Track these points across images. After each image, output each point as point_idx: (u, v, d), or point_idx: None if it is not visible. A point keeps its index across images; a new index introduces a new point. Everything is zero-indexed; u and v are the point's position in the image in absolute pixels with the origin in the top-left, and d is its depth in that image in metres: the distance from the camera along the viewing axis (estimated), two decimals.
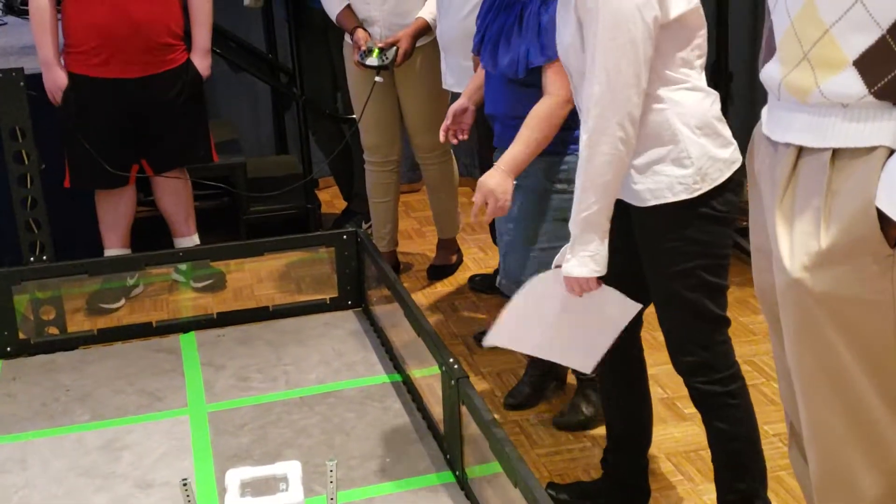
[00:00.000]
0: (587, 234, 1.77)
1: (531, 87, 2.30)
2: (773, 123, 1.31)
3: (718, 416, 1.94)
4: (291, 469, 1.74)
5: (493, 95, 2.43)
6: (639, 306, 1.91)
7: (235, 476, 1.71)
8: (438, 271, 3.73)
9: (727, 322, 1.94)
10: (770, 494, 2.25)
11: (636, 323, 2.03)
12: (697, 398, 1.95)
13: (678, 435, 2.54)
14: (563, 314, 1.89)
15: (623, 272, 1.89)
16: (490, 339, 1.97)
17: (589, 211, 1.76)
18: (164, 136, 3.21)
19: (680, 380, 2.64)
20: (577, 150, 2.37)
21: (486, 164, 3.12)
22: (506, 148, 2.43)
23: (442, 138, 2.55)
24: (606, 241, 1.78)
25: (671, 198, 1.78)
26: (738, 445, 1.96)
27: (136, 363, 2.61)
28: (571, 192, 2.39)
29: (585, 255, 1.78)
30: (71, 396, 2.43)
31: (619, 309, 1.90)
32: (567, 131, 2.31)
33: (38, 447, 2.18)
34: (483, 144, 2.95)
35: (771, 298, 1.40)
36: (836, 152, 1.20)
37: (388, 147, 3.52)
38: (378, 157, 3.54)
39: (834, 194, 1.19)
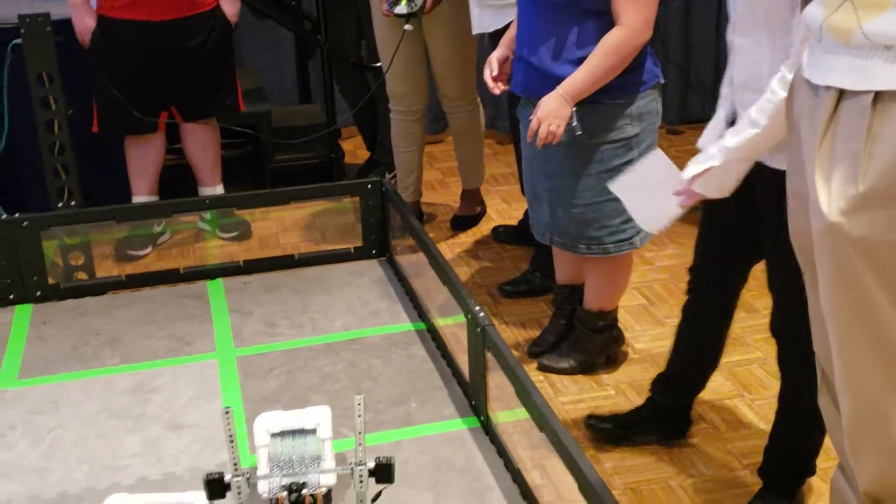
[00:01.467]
0: (737, 165, 1.73)
1: (579, 12, 2.18)
2: (813, 66, 1.29)
3: (801, 384, 1.92)
4: (322, 413, 1.77)
5: (527, 28, 2.35)
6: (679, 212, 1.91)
7: (265, 423, 1.74)
8: (462, 222, 3.73)
9: None
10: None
11: (741, 280, 2.01)
12: (789, 363, 1.95)
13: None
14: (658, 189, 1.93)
15: (734, 225, 1.87)
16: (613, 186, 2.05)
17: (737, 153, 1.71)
18: (193, 82, 3.21)
19: None
20: (610, 98, 2.33)
21: (513, 116, 3.10)
22: (531, 97, 2.40)
23: (492, 88, 2.50)
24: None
25: None
26: (809, 415, 1.95)
27: (164, 308, 2.64)
28: (610, 143, 2.37)
29: (718, 178, 1.75)
30: (101, 340, 2.46)
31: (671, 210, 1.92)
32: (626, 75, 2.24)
33: (69, 389, 2.22)
34: (512, 94, 2.93)
35: (806, 244, 1.38)
36: (877, 95, 1.18)
37: (415, 95, 3.50)
38: (404, 105, 3.52)
39: (874, 138, 1.17)
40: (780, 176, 1.73)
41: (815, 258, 1.29)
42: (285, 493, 1.61)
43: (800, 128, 1.34)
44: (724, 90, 1.91)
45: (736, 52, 1.80)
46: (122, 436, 2.03)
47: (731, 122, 1.85)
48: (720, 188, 1.77)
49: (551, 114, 2.16)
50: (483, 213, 3.79)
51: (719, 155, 1.73)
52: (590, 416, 2.33)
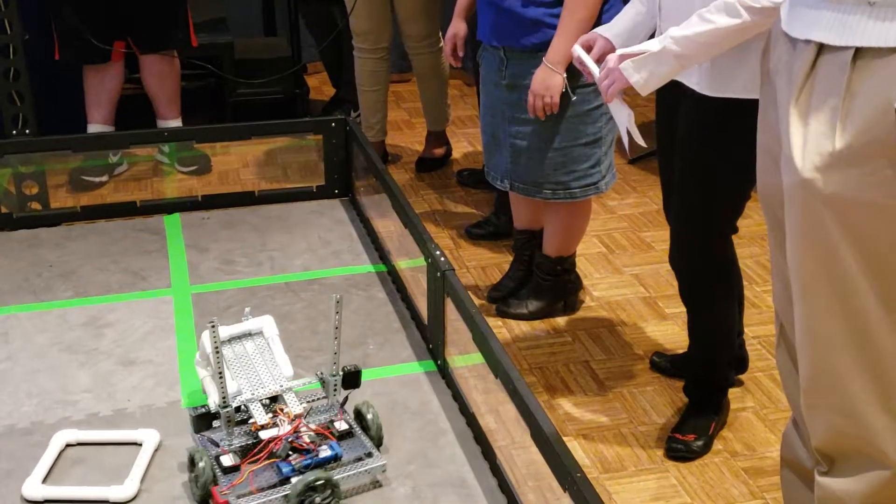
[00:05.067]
0: (674, 60, 1.73)
1: None
2: (793, 19, 1.27)
3: (702, 312, 2.06)
4: (263, 320, 1.83)
5: None
6: (629, 112, 1.90)
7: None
8: (427, 164, 3.70)
9: None
10: (746, 394, 2.30)
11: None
12: (689, 295, 2.08)
13: (657, 333, 2.58)
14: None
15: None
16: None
17: (694, 45, 1.71)
18: (147, 13, 3.13)
19: (663, 280, 2.67)
20: None
21: (476, 60, 3.06)
22: (505, 44, 2.38)
23: (452, 62, 2.51)
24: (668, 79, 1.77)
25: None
26: (714, 336, 2.10)
27: (120, 242, 2.59)
28: (580, 87, 2.37)
29: (649, 65, 1.74)
30: (54, 272, 2.41)
31: (622, 116, 1.91)
32: None
33: (20, 321, 2.18)
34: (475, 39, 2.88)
35: (774, 200, 1.38)
36: (858, 52, 1.17)
37: (379, 33, 3.43)
38: (368, 43, 3.45)
39: (853, 95, 1.16)
40: (698, 100, 1.83)
41: (785, 212, 1.29)
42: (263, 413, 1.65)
43: (776, 81, 1.32)
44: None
45: None
46: (73, 370, 2.00)
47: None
48: (647, 78, 1.74)
49: (543, 86, 2.16)
50: (448, 155, 3.76)
51: (658, 42, 1.74)
52: (656, 353, 2.43)
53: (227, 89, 3.86)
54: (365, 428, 1.73)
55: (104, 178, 3.26)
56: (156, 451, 1.74)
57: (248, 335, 1.82)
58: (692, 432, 2.10)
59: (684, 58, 1.72)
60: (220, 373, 1.61)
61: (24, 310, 2.23)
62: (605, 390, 2.34)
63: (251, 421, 1.66)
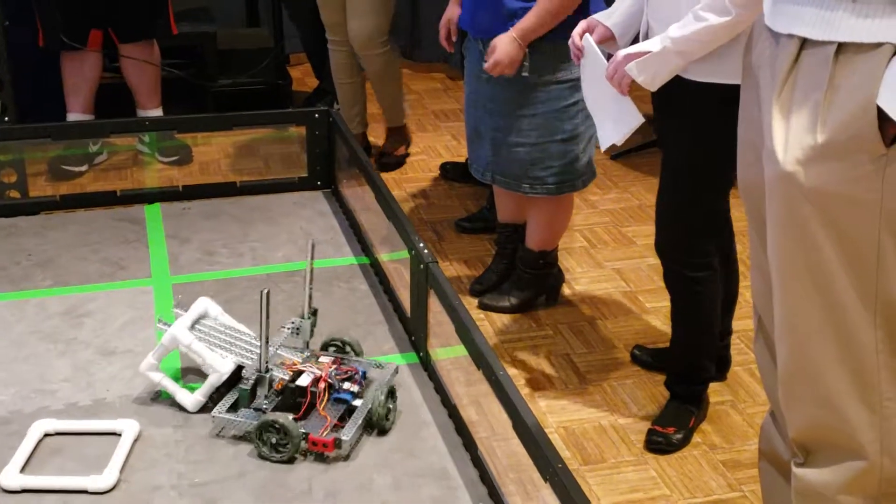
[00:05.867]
0: (676, 58, 1.80)
1: None
2: (776, 14, 1.28)
3: (684, 301, 2.11)
4: (206, 304, 1.91)
5: None
6: (641, 119, 1.95)
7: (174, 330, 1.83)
8: (387, 163, 3.66)
9: None
10: (724, 388, 2.32)
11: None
12: (672, 283, 2.11)
13: (638, 327, 2.59)
14: (603, 86, 1.97)
15: None
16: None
17: (694, 45, 1.77)
18: (124, 1, 3.10)
19: (644, 275, 2.69)
20: (559, 39, 2.35)
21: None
22: (480, 35, 2.38)
23: (445, 46, 2.52)
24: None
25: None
26: (695, 328, 2.13)
27: (100, 231, 2.57)
28: (560, 84, 2.38)
29: (653, 65, 1.81)
30: (32, 261, 2.39)
31: (629, 115, 1.96)
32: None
33: None
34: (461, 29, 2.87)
35: (755, 193, 1.39)
36: (840, 47, 1.18)
37: (345, 25, 3.41)
38: (338, 35, 3.43)
39: (835, 90, 1.17)
40: (694, 88, 1.86)
41: (766, 206, 1.30)
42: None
43: (758, 76, 1.33)
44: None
45: None
46: (51, 359, 1.98)
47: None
48: (653, 76, 1.83)
49: (508, 59, 2.17)
50: (407, 154, 3.71)
51: (658, 42, 1.81)
52: (636, 347, 2.44)
53: (209, 80, 3.84)
54: (357, 353, 1.94)
55: (84, 168, 3.23)
56: (135, 441, 1.73)
57: (200, 319, 1.88)
58: (672, 425, 2.11)
59: (685, 54, 1.78)
60: (267, 339, 1.73)
61: (2, 298, 2.20)
62: (585, 383, 2.35)
63: (277, 379, 1.78)
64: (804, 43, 1.22)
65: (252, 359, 1.81)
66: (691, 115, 1.91)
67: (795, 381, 1.31)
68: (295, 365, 1.82)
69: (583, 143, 2.47)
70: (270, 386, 1.77)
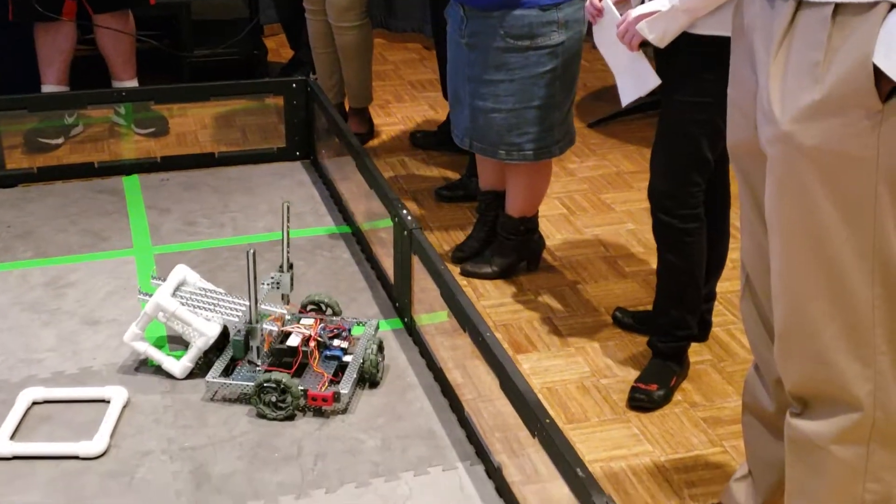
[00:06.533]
0: (683, 16, 1.87)
1: None
2: None
3: (671, 253, 2.13)
4: (183, 271, 1.93)
5: None
6: (657, 81, 2.01)
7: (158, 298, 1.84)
8: None
9: None
10: (703, 348, 2.36)
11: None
12: (661, 232, 2.14)
13: (618, 291, 2.62)
14: (620, 45, 2.03)
15: None
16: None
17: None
18: None
19: (623, 240, 2.72)
20: (534, 2, 2.36)
21: (437, 19, 3.05)
22: (467, 3, 2.38)
23: None
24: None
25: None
26: (680, 281, 2.14)
27: (79, 203, 2.56)
28: (535, 49, 2.39)
29: (663, 24, 1.88)
30: (12, 233, 2.38)
31: (644, 76, 2.02)
32: None
33: None
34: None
35: (745, 154, 1.41)
36: (837, 8, 1.20)
37: None
38: (316, 4, 3.40)
39: (833, 50, 1.20)
40: (696, 41, 1.91)
41: (767, 165, 1.31)
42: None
43: (752, 39, 1.35)
44: None
45: None
46: (36, 329, 1.98)
47: None
48: (663, 34, 1.90)
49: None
50: (370, 134, 3.67)
51: (667, 1, 1.88)
52: (618, 309, 2.46)
53: (184, 51, 3.80)
54: (336, 313, 2.02)
55: (60, 140, 3.19)
56: (124, 407, 1.73)
57: (180, 286, 1.90)
58: (654, 382, 2.15)
59: (692, 12, 1.86)
60: (256, 292, 1.76)
61: None
62: (568, 346, 2.38)
63: (266, 331, 1.82)
64: (800, 4, 1.23)
65: (238, 316, 1.83)
66: (693, 67, 1.96)
67: (792, 337, 1.34)
68: (281, 318, 1.86)
69: (561, 111, 2.48)
70: (262, 336, 1.80)
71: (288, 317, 1.91)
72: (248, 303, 1.78)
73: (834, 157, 1.23)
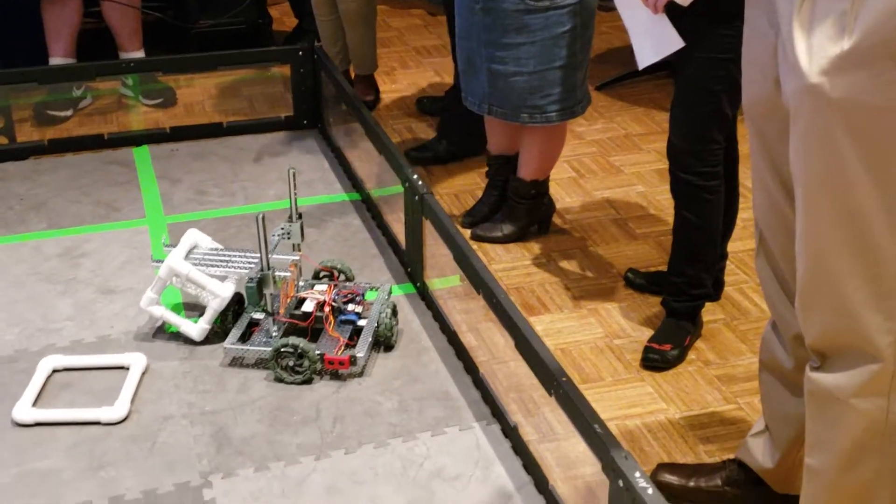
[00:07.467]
0: None
1: None
2: None
3: (688, 209, 2.11)
4: (195, 235, 1.97)
5: None
6: (681, 43, 1.97)
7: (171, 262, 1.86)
8: None
9: None
10: (716, 307, 2.36)
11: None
12: (679, 188, 2.12)
13: (630, 253, 2.62)
14: (637, 5, 2.00)
15: None
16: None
17: None
18: None
19: (633, 202, 2.71)
20: None
21: None
22: None
23: None
24: None
25: None
26: (697, 239, 2.13)
27: (90, 174, 2.57)
28: (555, 9, 2.36)
29: None
30: (25, 205, 2.39)
31: (667, 38, 1.98)
32: None
33: None
34: None
35: (761, 112, 1.40)
36: None
37: None
38: None
39: (862, 0, 1.18)
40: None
41: (791, 119, 1.30)
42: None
43: None
44: None
45: None
46: (52, 299, 2.00)
47: None
48: None
49: None
50: (377, 101, 3.65)
51: None
52: (629, 270, 2.46)
53: (189, 21, 3.78)
54: (349, 279, 2.05)
55: (69, 113, 3.20)
56: (143, 373, 1.75)
57: (192, 249, 1.93)
58: (668, 342, 2.15)
59: None
60: (266, 244, 1.80)
61: None
62: (580, 307, 2.38)
63: (280, 278, 1.84)
64: None
65: (251, 268, 1.86)
66: (711, 23, 1.95)
67: (814, 290, 1.34)
68: (295, 265, 1.91)
69: (581, 70, 2.47)
70: (275, 284, 1.81)
71: (301, 283, 1.92)
72: (259, 254, 1.80)
73: (862, 109, 1.22)
